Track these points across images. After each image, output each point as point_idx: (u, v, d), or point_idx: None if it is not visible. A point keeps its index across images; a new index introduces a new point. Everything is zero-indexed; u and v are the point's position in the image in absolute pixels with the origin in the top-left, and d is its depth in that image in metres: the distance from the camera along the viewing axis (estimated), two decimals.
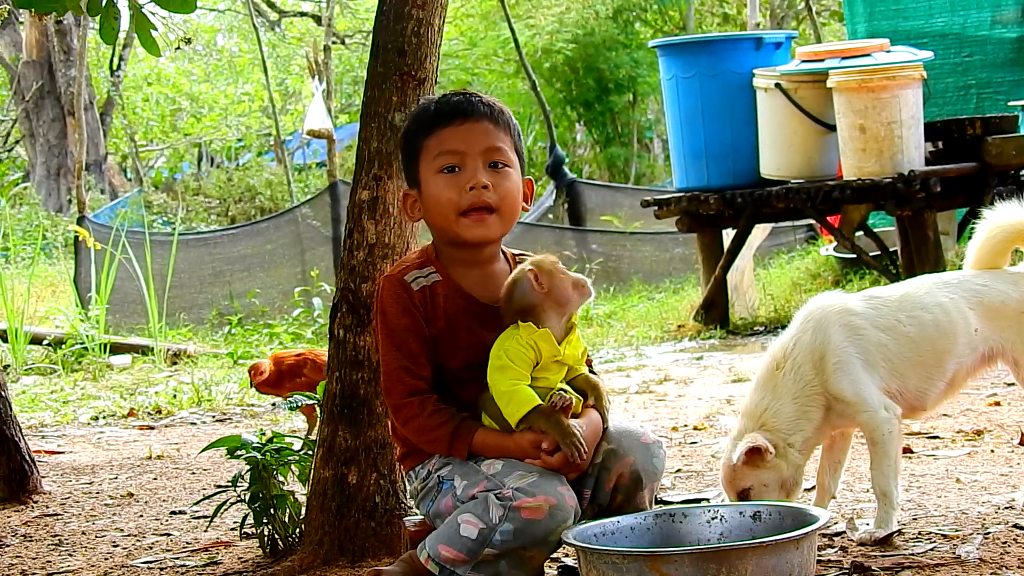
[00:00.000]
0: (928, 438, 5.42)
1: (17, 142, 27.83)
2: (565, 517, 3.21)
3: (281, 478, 4.12)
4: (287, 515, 4.07)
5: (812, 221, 12.39)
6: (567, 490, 3.25)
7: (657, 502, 4.48)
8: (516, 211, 3.42)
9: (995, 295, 3.97)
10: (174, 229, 15.47)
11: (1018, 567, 3.43)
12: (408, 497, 3.51)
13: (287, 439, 4.17)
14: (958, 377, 3.97)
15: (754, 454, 3.78)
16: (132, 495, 5.51)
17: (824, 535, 3.91)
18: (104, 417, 8.24)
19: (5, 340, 11.28)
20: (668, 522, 3.33)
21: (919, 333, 3.90)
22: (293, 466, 4.16)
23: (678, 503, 4.41)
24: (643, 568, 3.00)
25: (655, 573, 2.99)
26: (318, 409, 6.41)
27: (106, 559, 4.35)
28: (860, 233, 10.97)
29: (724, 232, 10.98)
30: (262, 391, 6.96)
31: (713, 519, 3.34)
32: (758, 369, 3.96)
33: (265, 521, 4.08)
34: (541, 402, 3.26)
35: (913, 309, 3.93)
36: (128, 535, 4.71)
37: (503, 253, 3.49)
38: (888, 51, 10.03)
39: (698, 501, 4.45)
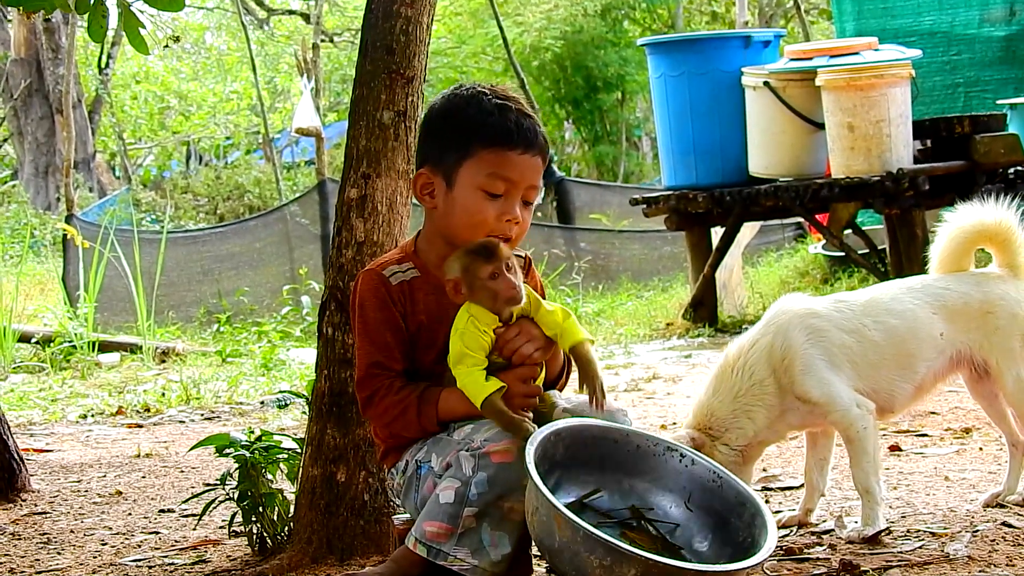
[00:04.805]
0: (917, 436, 5.43)
1: (5, 140, 27.79)
2: None
3: (270, 476, 4.11)
4: (276, 513, 4.07)
5: (801, 219, 12.40)
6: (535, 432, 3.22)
7: None
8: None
9: (957, 297, 3.98)
10: (162, 227, 15.45)
11: (1006, 565, 3.44)
12: (393, 496, 3.50)
13: (276, 437, 4.17)
14: (927, 381, 3.99)
15: None
16: (120, 493, 5.50)
17: (813, 532, 3.93)
18: (92, 415, 8.22)
19: None
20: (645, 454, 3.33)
21: (884, 338, 3.91)
22: (282, 464, 4.15)
23: None
24: (549, 512, 3.03)
25: (556, 523, 3.02)
26: None
27: (95, 557, 4.34)
28: (848, 231, 10.99)
29: (713, 230, 10.98)
30: None
31: (682, 459, 3.34)
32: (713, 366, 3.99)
33: (254, 519, 4.08)
34: (497, 386, 3.24)
35: (879, 314, 3.94)
36: (116, 533, 4.70)
37: None
38: (876, 49, 10.04)
39: None
